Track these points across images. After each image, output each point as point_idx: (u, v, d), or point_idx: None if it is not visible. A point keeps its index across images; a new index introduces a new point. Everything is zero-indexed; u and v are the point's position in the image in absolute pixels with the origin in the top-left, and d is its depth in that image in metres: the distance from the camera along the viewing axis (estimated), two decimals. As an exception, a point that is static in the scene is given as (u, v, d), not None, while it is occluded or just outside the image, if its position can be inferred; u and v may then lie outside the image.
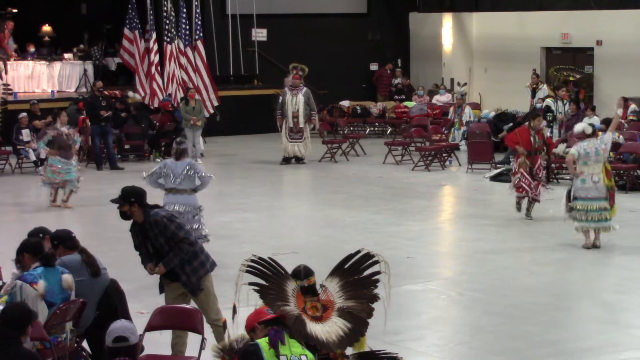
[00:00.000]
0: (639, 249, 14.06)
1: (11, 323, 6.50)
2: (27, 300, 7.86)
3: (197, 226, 13.02)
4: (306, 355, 6.22)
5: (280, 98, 23.05)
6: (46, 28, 28.34)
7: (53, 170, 17.26)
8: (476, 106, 27.20)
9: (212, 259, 9.21)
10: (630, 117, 22.36)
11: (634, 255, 13.67)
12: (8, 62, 26.00)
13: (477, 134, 21.88)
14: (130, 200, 8.81)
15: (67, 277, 8.17)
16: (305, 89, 22.75)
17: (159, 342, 8.92)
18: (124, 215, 8.90)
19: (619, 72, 26.48)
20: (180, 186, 12.81)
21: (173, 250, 8.79)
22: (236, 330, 6.82)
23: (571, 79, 27.50)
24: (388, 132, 27.20)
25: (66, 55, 27.49)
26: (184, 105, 23.03)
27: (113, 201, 9.05)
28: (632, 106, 23.04)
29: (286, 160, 22.66)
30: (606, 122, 20.28)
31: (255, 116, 27.17)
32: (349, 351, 6.81)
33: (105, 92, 23.19)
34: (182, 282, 8.97)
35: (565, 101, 20.23)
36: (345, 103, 28.04)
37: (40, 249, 8.39)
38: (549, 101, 20.27)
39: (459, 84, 29.49)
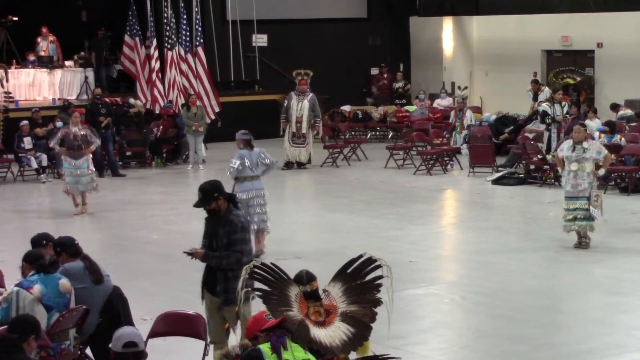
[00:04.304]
0: (641, 251, 14.09)
1: (14, 330, 6.52)
2: (24, 304, 7.90)
3: (263, 210, 13.83)
4: (309, 360, 6.23)
5: (286, 102, 23.07)
6: (47, 35, 28.37)
7: (71, 180, 17.20)
8: (477, 110, 27.22)
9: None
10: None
11: (636, 257, 13.67)
12: (9, 70, 26.06)
13: (479, 138, 21.89)
14: (214, 196, 8.57)
15: (64, 282, 8.18)
16: (311, 95, 22.77)
17: (162, 348, 8.93)
18: (213, 212, 8.64)
19: (619, 75, 26.51)
20: (256, 173, 13.57)
21: (222, 252, 8.51)
22: (239, 336, 6.83)
23: (571, 82, 27.51)
24: (389, 136, 27.21)
25: (67, 63, 27.52)
26: (186, 111, 23.08)
27: (197, 206, 8.71)
28: (621, 112, 23.03)
29: (288, 165, 22.68)
30: (609, 125, 20.31)
31: (257, 122, 27.07)
32: (353, 356, 6.82)
33: (106, 99, 23.23)
34: (217, 291, 8.64)
35: (563, 104, 20.23)
36: (346, 108, 28.06)
37: (37, 258, 8.38)
38: (545, 106, 20.27)
39: (459, 87, 29.50)
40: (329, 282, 6.96)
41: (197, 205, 8.70)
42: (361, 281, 6.97)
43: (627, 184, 18.65)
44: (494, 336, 10.38)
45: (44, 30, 27.12)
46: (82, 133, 17.42)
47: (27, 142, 21.57)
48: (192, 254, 8.60)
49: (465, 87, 29.36)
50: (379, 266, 6.95)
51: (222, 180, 8.99)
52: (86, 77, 26.87)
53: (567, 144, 14.17)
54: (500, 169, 20.97)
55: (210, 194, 8.59)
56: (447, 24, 30.92)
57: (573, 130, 14.36)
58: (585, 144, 13.93)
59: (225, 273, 8.58)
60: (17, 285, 8.14)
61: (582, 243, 14.00)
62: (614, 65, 26.80)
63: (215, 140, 25.60)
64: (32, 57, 27.24)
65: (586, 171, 13.82)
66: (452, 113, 25.05)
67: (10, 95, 25.01)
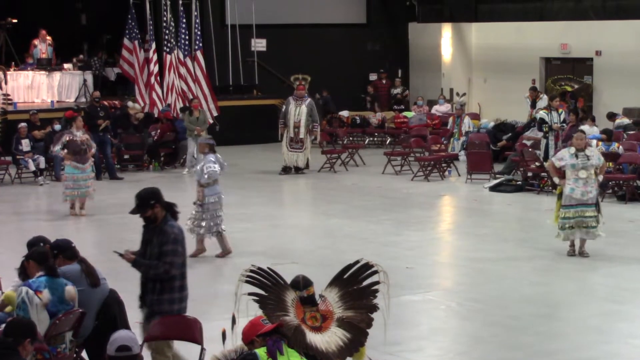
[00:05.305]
0: (638, 259, 14.05)
1: (9, 334, 6.50)
2: (30, 306, 7.88)
3: (221, 214, 13.99)
4: (305, 365, 6.23)
5: (284, 107, 23.09)
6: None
7: (72, 185, 17.29)
8: (475, 116, 27.22)
9: (185, 306, 8.67)
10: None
11: (633, 266, 13.67)
12: (8, 72, 26.04)
13: (477, 144, 21.90)
14: (150, 204, 8.49)
15: (70, 289, 8.15)
16: (309, 100, 22.81)
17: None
18: (149, 220, 8.55)
19: (618, 83, 26.53)
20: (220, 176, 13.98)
21: (151, 261, 8.42)
22: (235, 341, 6.82)
23: (569, 89, 27.52)
24: (387, 142, 27.22)
25: (66, 66, 27.49)
26: (188, 115, 23.05)
27: (133, 212, 8.62)
28: (618, 121, 23.03)
29: (286, 170, 22.68)
30: (606, 133, 20.31)
31: (255, 126, 27.18)
32: (348, 361, 6.81)
33: (104, 102, 23.23)
34: (147, 302, 8.57)
35: (560, 111, 20.23)
36: (344, 113, 28.07)
37: (47, 258, 8.38)
38: (542, 113, 20.27)
39: (458, 94, 29.50)
40: (326, 288, 6.95)
41: (132, 212, 8.62)
42: (358, 287, 6.96)
43: (625, 192, 18.65)
44: (490, 343, 10.37)
45: (43, 32, 27.10)
46: (85, 137, 17.60)
47: (25, 145, 21.58)
48: (122, 255, 8.56)
49: (464, 94, 29.36)
50: (376, 272, 6.95)
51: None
52: (85, 80, 26.85)
53: (567, 152, 14.08)
54: (497, 175, 20.97)
55: (146, 201, 8.49)
56: (446, 31, 30.94)
57: (574, 137, 14.32)
58: (587, 151, 13.96)
59: (154, 284, 8.50)
60: (24, 285, 8.08)
61: (584, 253, 13.98)
62: (613, 73, 26.81)
63: (213, 144, 25.57)
64: (30, 61, 27.21)
65: (592, 178, 13.82)
66: (450, 119, 25.05)
67: (9, 97, 24.99)
